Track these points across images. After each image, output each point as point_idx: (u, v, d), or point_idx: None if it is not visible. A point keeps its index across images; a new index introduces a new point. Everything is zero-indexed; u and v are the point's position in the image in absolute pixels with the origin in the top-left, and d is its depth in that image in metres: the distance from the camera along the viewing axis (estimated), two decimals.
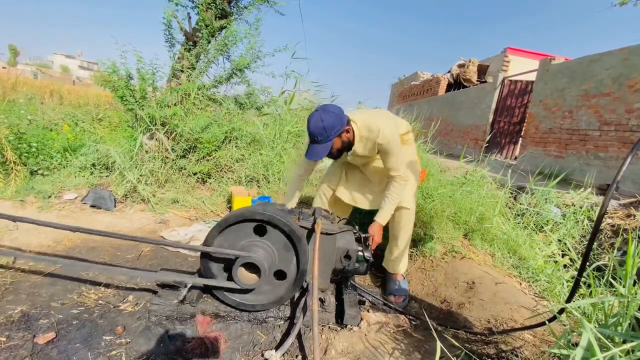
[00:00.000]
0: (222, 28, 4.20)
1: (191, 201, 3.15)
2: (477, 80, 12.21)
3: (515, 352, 1.33)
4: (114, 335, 1.39)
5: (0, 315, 1.41)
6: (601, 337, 0.69)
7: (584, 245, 2.90)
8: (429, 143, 4.00)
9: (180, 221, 2.86)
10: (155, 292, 1.71)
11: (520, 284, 2.10)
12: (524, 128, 7.91)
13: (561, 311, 1.16)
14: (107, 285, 1.74)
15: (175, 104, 3.53)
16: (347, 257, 1.70)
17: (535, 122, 6.92)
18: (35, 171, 2.92)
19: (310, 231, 1.67)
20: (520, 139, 8.23)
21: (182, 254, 2.30)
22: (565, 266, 2.43)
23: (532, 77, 7.66)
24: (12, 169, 2.67)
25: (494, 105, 8.78)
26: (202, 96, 3.88)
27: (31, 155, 2.90)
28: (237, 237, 1.58)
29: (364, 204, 2.17)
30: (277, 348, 1.37)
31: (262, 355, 1.36)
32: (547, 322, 1.13)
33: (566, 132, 6.06)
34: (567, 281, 2.16)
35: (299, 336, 1.47)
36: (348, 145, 1.87)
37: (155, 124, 3.28)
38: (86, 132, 3.59)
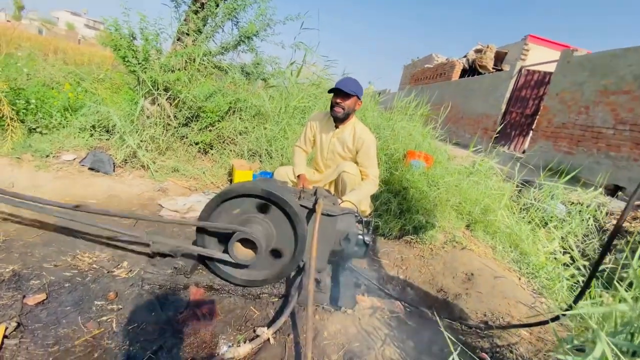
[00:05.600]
0: None
1: (191, 171, 3.09)
2: (493, 68, 11.80)
3: (510, 348, 1.31)
4: (106, 300, 1.37)
5: None
6: (614, 348, 0.64)
7: (586, 244, 2.86)
8: (438, 129, 3.88)
9: (179, 190, 2.81)
10: (151, 257, 1.69)
11: (520, 279, 2.07)
12: (536, 121, 7.69)
13: (565, 312, 1.12)
14: (101, 250, 1.72)
15: (179, 69, 3.39)
16: (347, 239, 1.66)
17: (549, 116, 6.71)
18: (34, 129, 2.85)
19: (311, 211, 1.62)
20: (531, 131, 8.02)
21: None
22: (565, 264, 2.40)
23: (551, 68, 7.35)
24: (8, 124, 2.60)
25: (507, 95, 8.50)
26: (208, 62, 3.73)
27: (30, 112, 2.81)
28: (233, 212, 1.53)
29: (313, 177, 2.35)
30: (269, 325, 1.35)
31: (254, 331, 1.34)
32: (550, 321, 1.09)
33: (579, 127, 5.88)
34: (567, 279, 2.13)
35: (292, 315, 1.45)
36: (347, 116, 2.07)
37: (158, 89, 3.17)
38: (87, 93, 3.48)
